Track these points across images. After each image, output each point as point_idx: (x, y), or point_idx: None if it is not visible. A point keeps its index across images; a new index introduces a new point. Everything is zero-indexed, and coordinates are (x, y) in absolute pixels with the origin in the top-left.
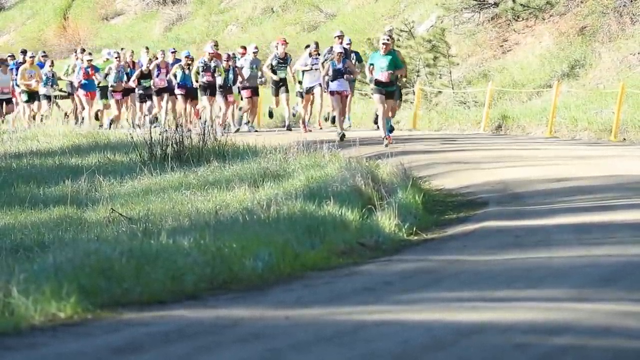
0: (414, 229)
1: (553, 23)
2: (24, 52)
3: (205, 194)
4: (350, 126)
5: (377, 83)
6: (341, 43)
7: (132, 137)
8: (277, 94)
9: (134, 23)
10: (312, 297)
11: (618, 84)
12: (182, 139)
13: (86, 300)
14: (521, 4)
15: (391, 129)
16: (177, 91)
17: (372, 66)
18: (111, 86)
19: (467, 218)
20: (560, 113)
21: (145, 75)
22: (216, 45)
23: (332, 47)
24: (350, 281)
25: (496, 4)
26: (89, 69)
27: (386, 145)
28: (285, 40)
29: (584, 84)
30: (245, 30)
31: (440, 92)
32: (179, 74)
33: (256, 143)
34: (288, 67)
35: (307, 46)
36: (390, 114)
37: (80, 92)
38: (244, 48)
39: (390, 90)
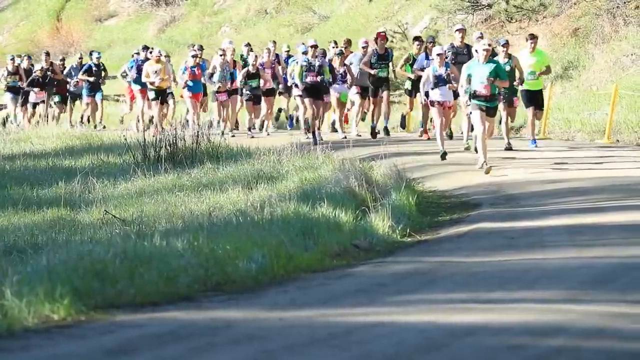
0: (408, 230)
1: (546, 24)
2: (146, 47)
3: (199, 196)
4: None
5: (475, 96)
6: (462, 39)
7: (125, 139)
8: (375, 95)
9: (127, 24)
10: (305, 298)
11: (611, 85)
12: (176, 140)
13: (80, 302)
14: (514, 6)
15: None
16: (295, 91)
17: (469, 77)
18: (217, 85)
19: (461, 219)
20: (553, 114)
21: (253, 75)
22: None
23: (452, 44)
24: (344, 283)
25: (490, 6)
26: (196, 69)
27: (487, 172)
28: (385, 35)
29: (577, 85)
30: (239, 32)
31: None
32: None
33: (249, 145)
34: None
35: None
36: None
37: (185, 94)
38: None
39: (492, 106)
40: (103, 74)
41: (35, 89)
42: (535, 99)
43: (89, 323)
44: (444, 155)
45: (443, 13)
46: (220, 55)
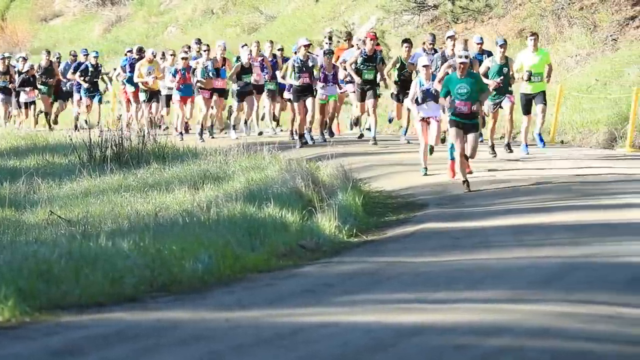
0: (354, 230)
1: (492, 25)
2: (140, 49)
3: (145, 196)
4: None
5: (454, 113)
6: (454, 47)
7: (71, 139)
8: (362, 99)
9: (72, 24)
10: (252, 299)
11: (556, 86)
12: (122, 140)
13: (24, 303)
14: (460, 7)
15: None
16: (287, 94)
17: (449, 94)
18: (198, 81)
19: (407, 220)
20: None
21: (246, 70)
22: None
23: (444, 52)
24: (290, 283)
25: (435, 7)
26: (186, 71)
27: (468, 191)
28: (375, 35)
29: None
30: (185, 32)
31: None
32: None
33: (197, 145)
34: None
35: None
36: (470, 152)
37: (175, 97)
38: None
39: (471, 123)
40: (102, 75)
41: (27, 89)
42: (539, 99)
43: (33, 324)
44: (425, 172)
45: (389, 14)
46: (205, 51)
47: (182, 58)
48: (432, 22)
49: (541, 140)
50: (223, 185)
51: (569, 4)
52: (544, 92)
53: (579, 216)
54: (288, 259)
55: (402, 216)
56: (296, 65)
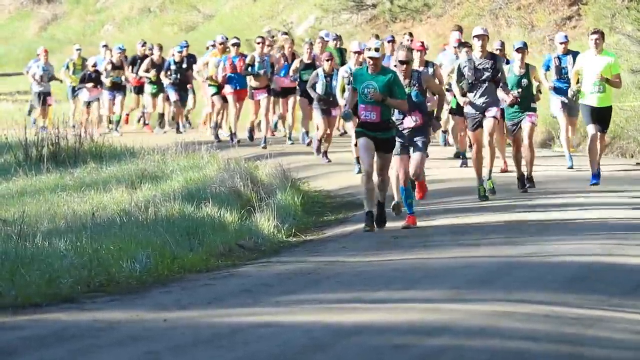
0: (293, 230)
1: (430, 25)
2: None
3: (82, 196)
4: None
5: (361, 123)
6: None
7: (6, 138)
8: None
9: (7, 22)
10: (190, 299)
11: None
12: (58, 139)
13: None
14: (399, 6)
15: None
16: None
17: (352, 91)
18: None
19: (346, 219)
20: None
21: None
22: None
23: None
24: (228, 283)
25: (374, 6)
26: (238, 60)
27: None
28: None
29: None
30: (122, 31)
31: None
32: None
33: (134, 144)
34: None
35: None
36: (413, 172)
37: (227, 89)
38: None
39: (384, 138)
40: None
41: (88, 85)
42: (601, 117)
43: None
44: (359, 171)
45: (327, 12)
46: (258, 44)
47: (234, 44)
48: (370, 22)
49: (594, 177)
50: (161, 185)
51: (507, 3)
52: (609, 110)
53: (516, 216)
54: (227, 259)
55: (341, 216)
56: (346, 76)
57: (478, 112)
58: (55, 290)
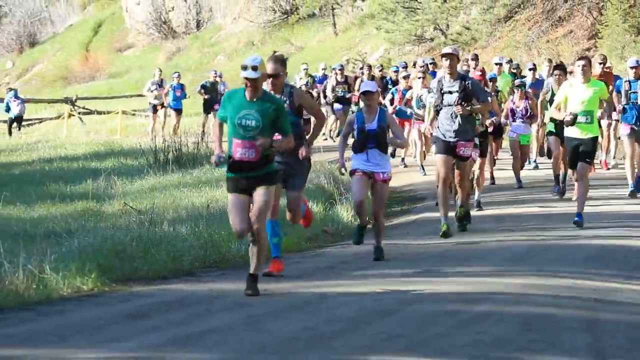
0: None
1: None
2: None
3: (199, 191)
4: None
5: (232, 166)
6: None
7: (140, 145)
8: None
9: (142, 54)
10: (284, 273)
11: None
12: (181, 146)
13: (104, 276)
14: (451, 39)
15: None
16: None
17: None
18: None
19: (409, 210)
20: None
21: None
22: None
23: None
24: (315, 261)
25: (432, 39)
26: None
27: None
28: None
29: None
30: (232, 60)
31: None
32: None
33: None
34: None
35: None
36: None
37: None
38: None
39: (257, 176)
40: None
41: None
42: (584, 150)
43: (111, 293)
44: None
45: (395, 45)
46: (340, 70)
47: (404, 77)
48: (428, 52)
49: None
50: None
51: (538, 37)
52: (594, 140)
53: (545, 208)
54: (313, 242)
55: (405, 207)
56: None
57: (446, 139)
58: (178, 266)
